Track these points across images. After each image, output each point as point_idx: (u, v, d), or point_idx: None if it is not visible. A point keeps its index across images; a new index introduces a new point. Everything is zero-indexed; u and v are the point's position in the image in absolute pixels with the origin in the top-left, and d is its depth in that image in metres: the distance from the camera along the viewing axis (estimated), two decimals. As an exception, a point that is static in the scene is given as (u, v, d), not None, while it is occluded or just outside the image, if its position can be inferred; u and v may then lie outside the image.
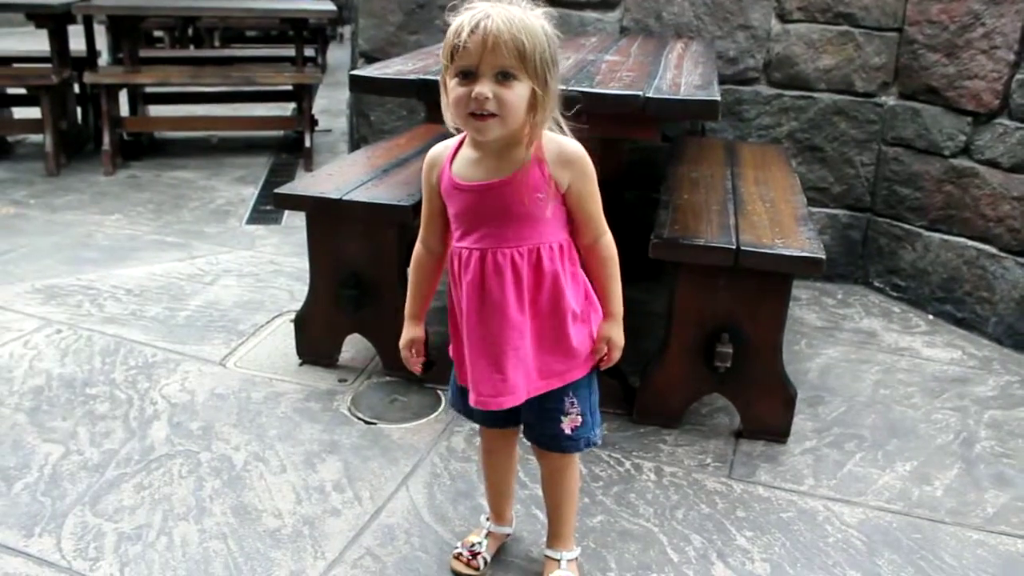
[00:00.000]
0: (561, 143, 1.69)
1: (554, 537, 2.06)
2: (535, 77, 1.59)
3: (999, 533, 2.35)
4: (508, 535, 2.20)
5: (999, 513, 2.44)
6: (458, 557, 2.10)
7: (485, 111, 1.59)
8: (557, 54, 1.64)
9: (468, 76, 1.59)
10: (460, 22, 1.58)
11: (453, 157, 1.76)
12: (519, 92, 1.59)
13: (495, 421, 1.99)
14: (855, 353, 3.39)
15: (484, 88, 1.57)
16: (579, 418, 1.88)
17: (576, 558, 2.08)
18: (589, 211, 1.75)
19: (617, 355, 1.85)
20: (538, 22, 1.60)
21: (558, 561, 2.04)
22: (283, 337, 3.25)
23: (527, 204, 1.69)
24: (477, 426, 2.69)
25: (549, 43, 1.61)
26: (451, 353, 1.92)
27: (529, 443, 1.99)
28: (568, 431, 1.88)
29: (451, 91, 1.62)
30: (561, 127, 1.70)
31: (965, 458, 2.70)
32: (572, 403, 1.87)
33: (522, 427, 1.98)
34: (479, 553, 2.10)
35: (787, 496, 2.46)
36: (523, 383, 1.80)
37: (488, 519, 2.18)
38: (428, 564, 2.12)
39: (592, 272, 1.82)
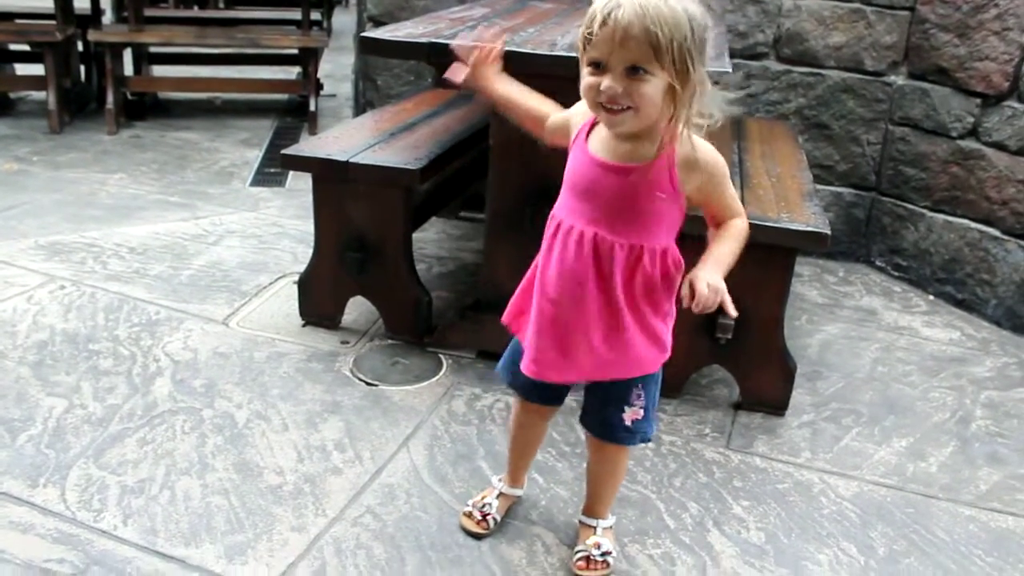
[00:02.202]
0: (694, 146, 1.61)
1: (589, 508, 2.09)
2: (672, 70, 1.50)
3: (991, 510, 2.38)
4: (519, 497, 2.23)
5: (991, 490, 2.46)
6: (469, 515, 2.13)
7: (617, 105, 1.54)
8: (704, 42, 1.54)
9: (599, 67, 1.54)
10: (594, 9, 1.51)
11: (593, 125, 1.72)
12: (653, 86, 1.52)
13: (538, 396, 1.99)
14: (855, 330, 3.41)
15: (613, 83, 1.52)
16: (642, 411, 1.87)
17: (611, 526, 2.10)
18: (720, 203, 1.71)
19: (707, 293, 1.61)
20: (680, 8, 1.49)
21: (593, 528, 2.06)
22: (286, 298, 3.26)
23: (646, 200, 1.65)
24: (478, 390, 2.74)
25: (694, 31, 1.50)
26: (510, 316, 1.91)
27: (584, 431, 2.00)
28: (628, 422, 1.88)
29: (583, 79, 1.58)
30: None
31: (960, 436, 2.72)
32: (639, 395, 1.86)
33: (580, 414, 1.98)
34: (489, 514, 2.13)
35: (784, 468, 2.49)
36: (588, 363, 1.78)
37: (501, 480, 2.20)
38: (428, 523, 2.15)
39: (714, 236, 1.75)
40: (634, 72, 1.51)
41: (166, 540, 2.03)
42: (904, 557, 2.16)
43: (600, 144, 1.69)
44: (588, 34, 1.52)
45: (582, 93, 1.61)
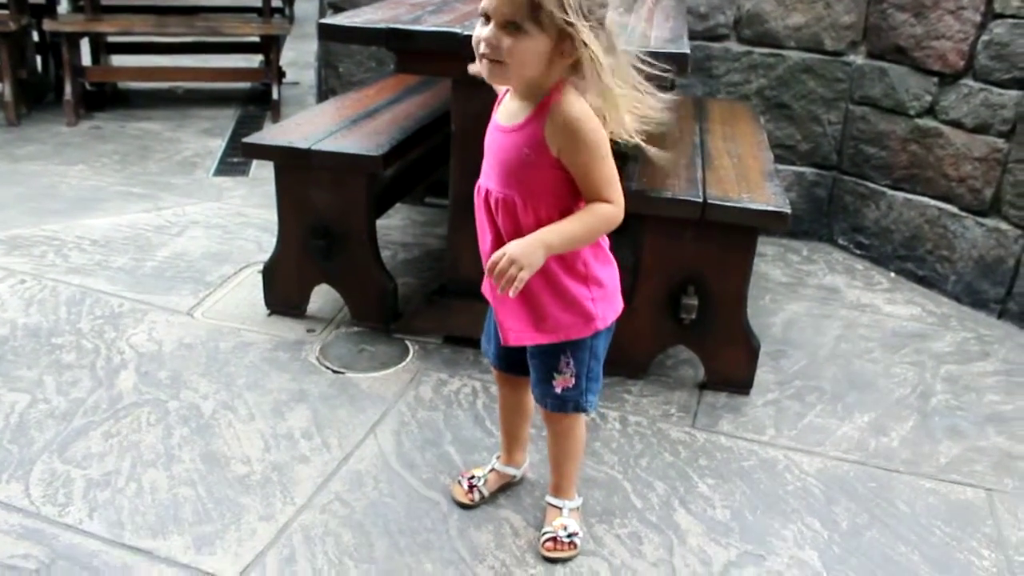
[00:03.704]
0: (565, 107, 1.63)
1: (555, 487, 2.11)
2: (553, 32, 1.55)
3: (950, 482, 2.42)
4: (513, 477, 2.25)
5: (951, 463, 2.51)
6: (459, 483, 2.20)
7: (490, 56, 1.59)
8: (593, 11, 1.57)
9: (487, 17, 1.59)
10: None
11: (505, 94, 1.80)
12: (526, 44, 1.56)
13: (501, 364, 2.05)
14: (818, 308, 3.45)
15: (490, 34, 1.58)
16: (572, 380, 1.89)
17: (578, 507, 2.12)
18: (584, 178, 1.68)
19: (508, 265, 1.62)
20: None
21: (560, 509, 2.08)
22: (251, 288, 3.24)
23: (517, 157, 1.69)
24: (444, 376, 2.75)
25: None
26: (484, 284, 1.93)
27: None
28: (558, 390, 1.90)
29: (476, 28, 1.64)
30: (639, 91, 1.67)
31: (921, 411, 2.77)
32: (568, 363, 1.88)
33: None
34: (476, 486, 2.18)
35: (748, 446, 2.52)
36: (514, 327, 1.82)
37: (498, 457, 2.24)
38: (395, 509, 2.15)
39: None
40: (511, 28, 1.56)
41: (133, 532, 2.02)
42: (867, 530, 2.20)
43: (502, 110, 1.78)
44: None
45: (473, 43, 1.66)
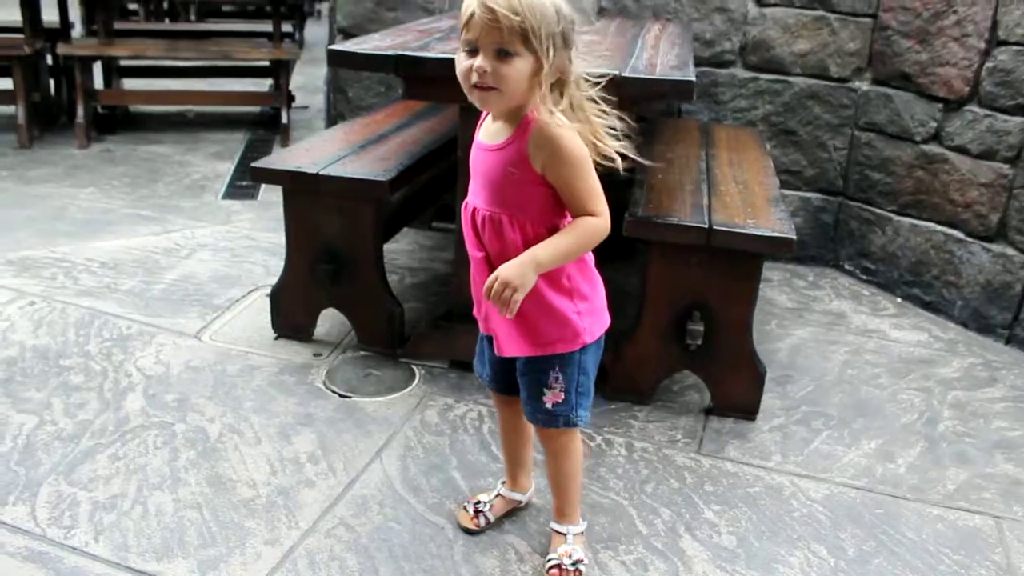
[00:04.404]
0: (544, 125, 1.68)
1: (558, 512, 2.10)
2: (540, 53, 1.62)
3: (958, 509, 2.41)
4: (519, 502, 2.25)
5: (959, 489, 2.50)
6: (464, 509, 2.20)
7: (485, 84, 1.64)
8: (569, 30, 1.66)
9: (472, 49, 1.64)
10: None
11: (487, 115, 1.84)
12: (518, 68, 1.62)
13: (498, 386, 2.06)
14: (824, 334, 3.45)
15: (483, 63, 1.62)
16: (562, 395, 1.90)
17: (582, 532, 2.11)
18: (569, 192, 1.72)
19: (502, 289, 1.68)
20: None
21: (564, 535, 2.08)
22: (258, 311, 3.26)
23: (503, 175, 1.73)
24: (451, 400, 2.75)
25: (559, 20, 1.63)
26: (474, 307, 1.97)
27: None
28: (548, 405, 1.91)
29: (458, 63, 1.68)
30: (603, 109, 1.74)
31: (928, 437, 2.76)
32: (557, 378, 1.88)
33: None
34: (481, 511, 2.18)
35: (754, 472, 2.51)
36: (505, 339, 1.85)
37: (504, 483, 2.24)
38: (401, 534, 2.15)
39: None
40: (502, 55, 1.62)
41: (138, 556, 2.03)
42: (873, 557, 2.19)
43: (484, 130, 1.83)
44: (464, 19, 1.63)
45: (458, 75, 1.70)
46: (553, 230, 1.75)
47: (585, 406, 1.94)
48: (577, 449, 2.03)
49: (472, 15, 1.61)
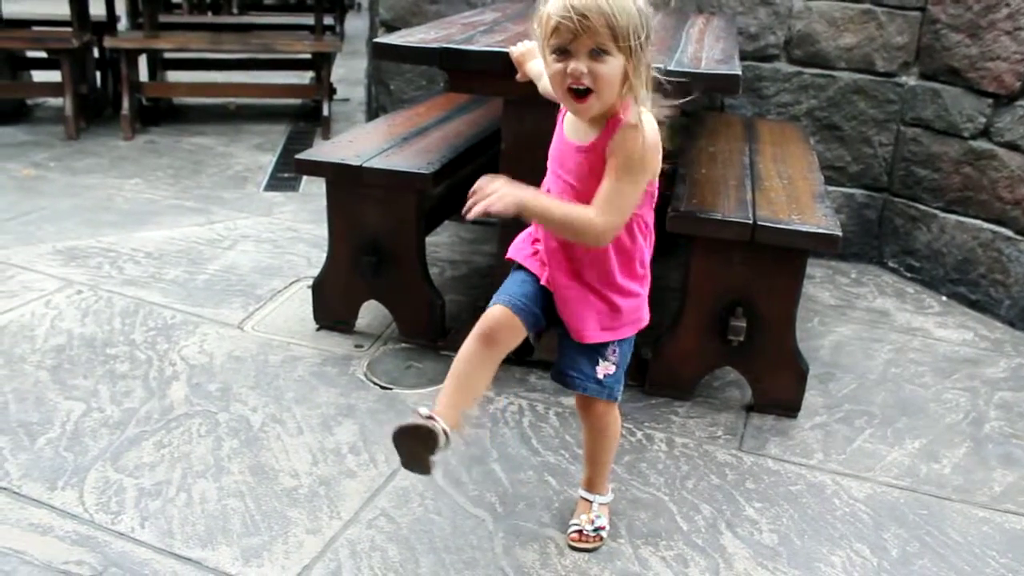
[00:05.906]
0: (629, 128, 1.70)
1: (588, 482, 2.17)
2: (627, 52, 1.64)
3: (1005, 511, 2.37)
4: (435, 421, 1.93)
5: (1006, 492, 2.46)
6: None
7: (582, 86, 1.66)
8: (650, 28, 1.68)
9: (564, 53, 1.66)
10: (551, 2, 1.65)
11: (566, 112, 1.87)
12: (612, 67, 1.65)
13: (521, 309, 1.87)
14: (867, 332, 3.41)
15: (579, 64, 1.65)
16: (613, 367, 1.96)
17: (608, 503, 2.17)
18: (603, 183, 1.74)
19: (492, 199, 1.69)
20: None
21: (591, 503, 2.14)
22: (300, 302, 3.29)
23: (587, 172, 1.78)
24: (491, 394, 2.74)
25: (642, 18, 1.65)
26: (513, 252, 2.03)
27: (561, 388, 2.06)
28: (601, 375, 1.96)
29: (549, 67, 1.71)
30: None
31: (974, 437, 2.72)
32: (614, 351, 1.96)
33: (552, 371, 2.04)
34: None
35: (796, 469, 2.49)
36: (587, 328, 1.91)
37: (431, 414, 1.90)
38: (441, 526, 2.16)
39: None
40: (596, 54, 1.64)
41: (183, 542, 2.06)
42: (918, 559, 2.16)
43: (569, 125, 1.85)
44: (550, 23, 1.65)
45: (550, 80, 1.74)
46: (630, 227, 1.82)
47: (622, 384, 2.03)
48: (617, 425, 2.11)
49: (557, 22, 1.62)
